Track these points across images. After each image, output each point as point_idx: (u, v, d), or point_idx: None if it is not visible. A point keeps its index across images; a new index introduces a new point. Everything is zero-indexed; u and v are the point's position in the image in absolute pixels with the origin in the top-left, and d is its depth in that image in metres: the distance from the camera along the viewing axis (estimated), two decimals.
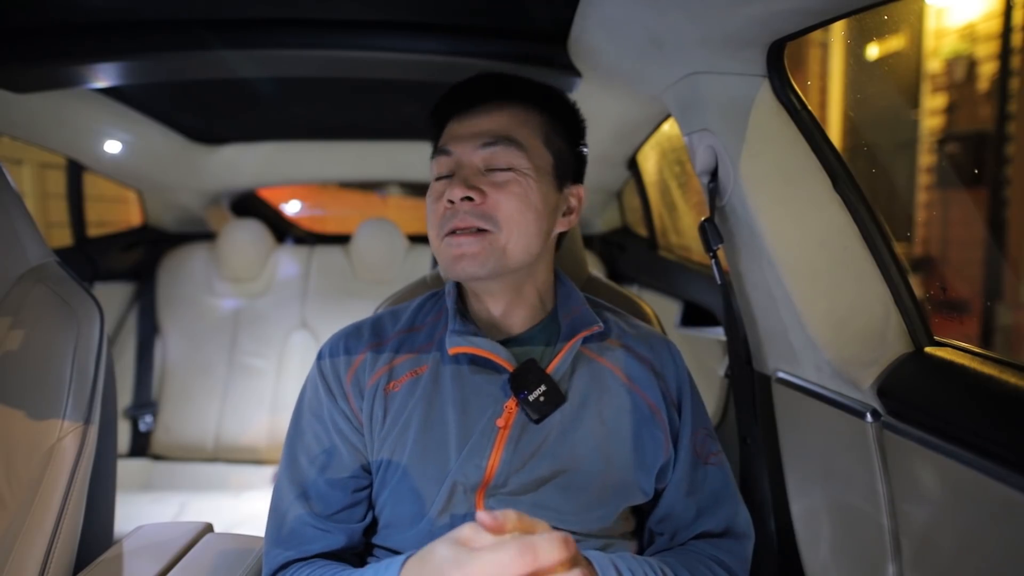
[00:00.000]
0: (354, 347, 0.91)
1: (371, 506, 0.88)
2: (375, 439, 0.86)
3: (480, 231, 0.82)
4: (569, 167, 0.92)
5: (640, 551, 0.90)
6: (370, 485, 0.88)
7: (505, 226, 0.83)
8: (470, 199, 0.82)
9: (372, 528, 0.89)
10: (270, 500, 0.89)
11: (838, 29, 2.37)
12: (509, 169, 0.84)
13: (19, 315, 1.06)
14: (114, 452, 1.17)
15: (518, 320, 0.90)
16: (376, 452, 0.86)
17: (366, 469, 0.87)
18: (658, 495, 0.89)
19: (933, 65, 3.14)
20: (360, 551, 0.89)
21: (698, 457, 0.90)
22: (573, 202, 0.93)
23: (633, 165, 2.35)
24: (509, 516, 0.61)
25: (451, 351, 0.86)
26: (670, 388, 0.91)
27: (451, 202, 0.83)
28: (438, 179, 0.88)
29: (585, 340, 0.89)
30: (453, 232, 0.83)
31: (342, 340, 0.92)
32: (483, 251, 0.82)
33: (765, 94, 1.02)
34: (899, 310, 1.01)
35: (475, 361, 0.87)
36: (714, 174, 1.11)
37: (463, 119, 0.88)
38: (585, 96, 1.38)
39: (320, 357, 0.91)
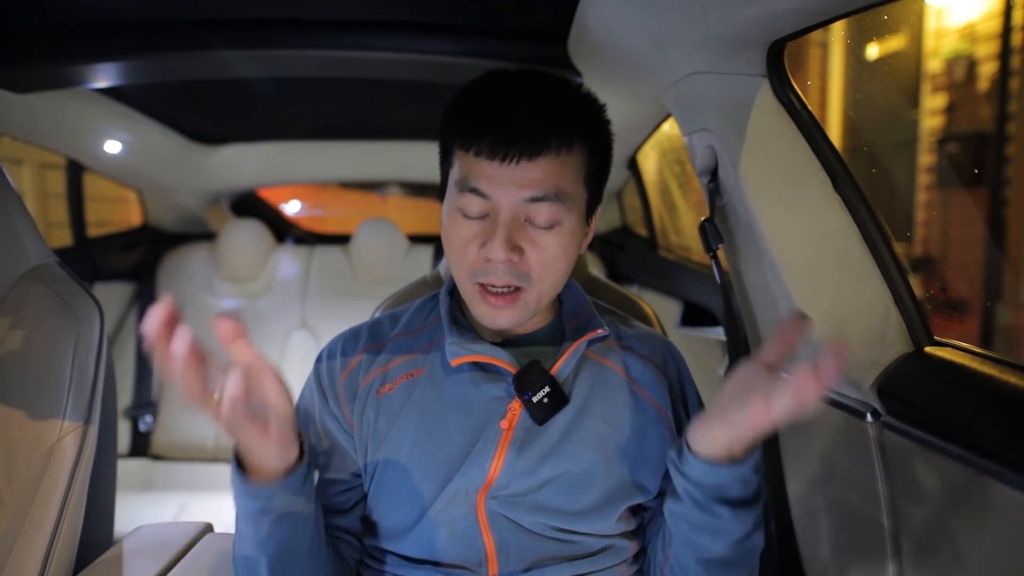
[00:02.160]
0: (350, 350, 0.91)
1: (357, 504, 0.88)
2: (369, 441, 0.86)
3: (515, 288, 0.81)
4: (598, 196, 0.87)
5: (640, 551, 0.89)
6: (358, 487, 0.88)
7: (538, 282, 0.81)
8: (510, 259, 0.79)
9: (370, 530, 0.89)
10: None
11: (838, 29, 2.37)
12: (552, 226, 0.80)
13: (19, 315, 1.06)
14: (114, 452, 1.17)
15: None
16: (371, 454, 0.86)
17: (355, 474, 0.88)
18: (665, 493, 0.89)
19: (933, 65, 3.14)
20: (352, 531, 0.88)
21: None
22: (591, 224, 0.89)
23: (633, 165, 2.35)
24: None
25: (453, 363, 0.85)
26: (675, 387, 0.92)
27: (488, 258, 0.79)
28: (467, 217, 0.80)
29: (588, 342, 0.89)
30: (485, 286, 0.81)
31: (339, 343, 0.92)
32: (518, 311, 0.82)
33: (765, 94, 1.02)
34: (899, 310, 1.01)
35: (477, 365, 0.87)
36: (714, 174, 1.10)
37: (502, 160, 0.76)
38: None
39: (318, 360, 0.92)
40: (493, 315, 0.82)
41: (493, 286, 0.80)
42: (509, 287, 0.80)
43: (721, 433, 0.71)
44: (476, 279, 0.81)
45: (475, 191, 0.78)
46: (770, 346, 0.71)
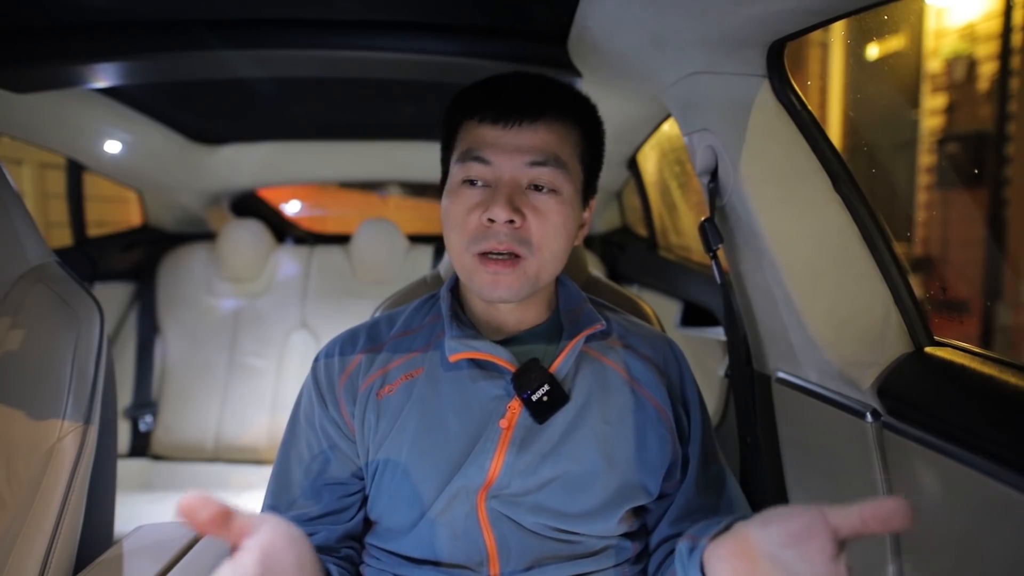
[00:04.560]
0: (348, 352, 0.91)
1: (361, 507, 0.88)
2: (369, 443, 0.86)
3: (515, 256, 0.81)
4: (592, 182, 0.91)
5: (642, 552, 0.89)
6: (360, 490, 0.88)
7: (539, 251, 0.82)
8: (512, 222, 0.80)
9: (370, 529, 0.89)
10: (263, 500, 0.90)
11: (838, 29, 2.37)
12: (552, 191, 0.82)
13: (19, 315, 1.06)
14: (114, 452, 1.17)
15: (520, 320, 0.90)
16: (371, 456, 0.86)
17: (357, 476, 0.88)
18: (664, 496, 0.89)
19: (933, 65, 3.14)
20: (355, 535, 0.89)
21: (708, 455, 0.90)
22: (587, 215, 0.92)
23: (633, 165, 2.35)
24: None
25: (452, 358, 0.85)
26: (675, 387, 0.91)
27: (491, 220, 0.80)
28: (467, 183, 0.83)
29: (588, 340, 0.89)
30: (487, 254, 0.81)
31: (337, 346, 0.92)
32: (518, 279, 0.82)
33: (765, 94, 1.02)
34: (899, 310, 1.01)
35: (476, 363, 0.86)
36: (714, 174, 1.11)
37: (505, 128, 0.81)
38: None
39: (316, 362, 0.92)
40: (493, 282, 0.81)
41: (494, 251, 0.81)
42: (510, 252, 0.81)
43: None
44: (476, 248, 0.81)
45: (479, 159, 0.82)
46: (850, 515, 0.57)
